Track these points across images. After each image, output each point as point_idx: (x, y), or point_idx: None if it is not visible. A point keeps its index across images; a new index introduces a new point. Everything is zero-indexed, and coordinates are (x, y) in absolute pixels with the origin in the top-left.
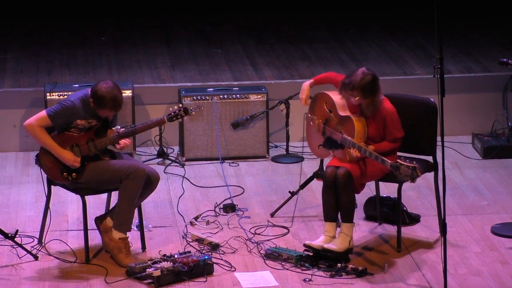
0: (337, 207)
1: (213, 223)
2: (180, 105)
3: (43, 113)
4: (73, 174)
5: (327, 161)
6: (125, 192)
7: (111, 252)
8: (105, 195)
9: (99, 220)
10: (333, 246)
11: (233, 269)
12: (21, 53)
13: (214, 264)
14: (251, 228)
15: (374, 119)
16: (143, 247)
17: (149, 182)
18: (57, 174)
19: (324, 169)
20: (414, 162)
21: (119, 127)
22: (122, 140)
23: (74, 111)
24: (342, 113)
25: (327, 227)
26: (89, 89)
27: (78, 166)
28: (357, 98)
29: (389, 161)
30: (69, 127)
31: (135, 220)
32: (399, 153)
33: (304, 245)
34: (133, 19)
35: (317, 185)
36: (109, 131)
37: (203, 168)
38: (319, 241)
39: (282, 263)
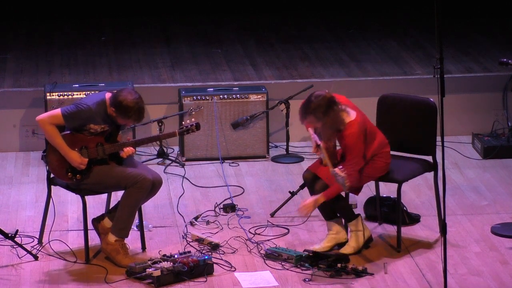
0: (330, 206)
1: (213, 223)
2: (193, 119)
3: (57, 111)
4: (78, 175)
5: None
6: (129, 200)
7: (109, 255)
8: (105, 195)
9: (96, 221)
10: (348, 248)
11: (233, 269)
12: (21, 53)
13: (214, 264)
14: (251, 228)
15: (340, 143)
16: (143, 247)
17: (152, 187)
18: (62, 173)
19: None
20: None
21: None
22: (127, 147)
23: (90, 115)
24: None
25: (329, 226)
26: (106, 94)
27: (83, 168)
28: (312, 121)
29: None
30: (81, 130)
31: (135, 220)
32: (399, 153)
33: (307, 250)
34: (133, 19)
35: None
36: (118, 137)
37: (203, 168)
38: (324, 244)
39: (282, 263)
